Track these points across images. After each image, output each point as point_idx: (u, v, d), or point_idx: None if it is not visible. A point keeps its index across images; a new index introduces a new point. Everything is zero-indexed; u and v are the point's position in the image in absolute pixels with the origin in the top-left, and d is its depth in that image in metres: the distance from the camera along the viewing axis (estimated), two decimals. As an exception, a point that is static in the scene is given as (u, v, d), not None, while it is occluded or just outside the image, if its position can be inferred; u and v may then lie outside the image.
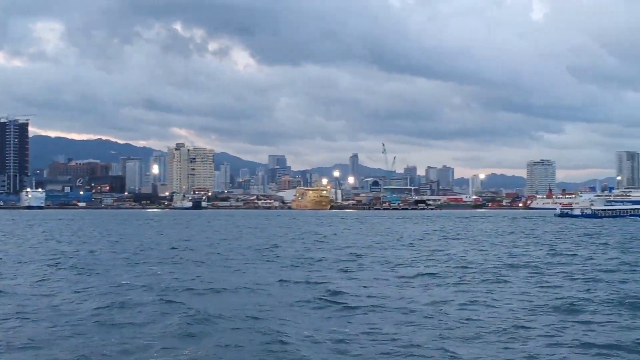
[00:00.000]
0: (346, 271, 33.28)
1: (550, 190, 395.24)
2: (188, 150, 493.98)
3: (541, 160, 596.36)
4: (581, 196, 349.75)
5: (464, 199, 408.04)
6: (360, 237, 71.20)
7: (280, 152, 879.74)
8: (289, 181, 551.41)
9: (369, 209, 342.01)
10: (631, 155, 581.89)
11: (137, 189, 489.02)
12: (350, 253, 45.47)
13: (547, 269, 34.57)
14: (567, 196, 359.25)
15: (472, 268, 35.07)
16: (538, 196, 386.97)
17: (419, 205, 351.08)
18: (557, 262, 38.77)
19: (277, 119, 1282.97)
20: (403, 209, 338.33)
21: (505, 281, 29.26)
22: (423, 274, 31.71)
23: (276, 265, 36.24)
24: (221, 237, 70.21)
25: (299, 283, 28.12)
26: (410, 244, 57.84)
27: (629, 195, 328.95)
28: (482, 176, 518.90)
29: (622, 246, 53.96)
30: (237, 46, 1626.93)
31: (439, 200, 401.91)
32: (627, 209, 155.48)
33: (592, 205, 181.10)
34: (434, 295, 24.85)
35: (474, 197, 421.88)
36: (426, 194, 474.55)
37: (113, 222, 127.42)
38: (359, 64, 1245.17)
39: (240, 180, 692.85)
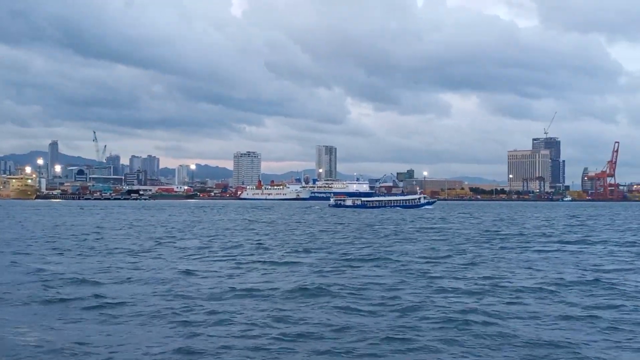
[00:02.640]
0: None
1: (260, 181, 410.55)
2: None
3: (247, 152, 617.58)
4: (288, 187, 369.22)
5: (176, 189, 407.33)
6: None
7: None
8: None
9: (79, 198, 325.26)
10: (329, 149, 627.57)
11: None
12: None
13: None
14: (275, 187, 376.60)
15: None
16: (248, 187, 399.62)
17: (132, 195, 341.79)
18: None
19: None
20: (115, 198, 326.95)
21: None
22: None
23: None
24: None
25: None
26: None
27: (331, 187, 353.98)
28: (192, 166, 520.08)
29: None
30: None
31: (150, 190, 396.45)
32: (389, 200, 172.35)
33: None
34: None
35: (186, 187, 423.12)
36: (134, 184, 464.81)
37: None
38: (52, 47, 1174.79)
39: None
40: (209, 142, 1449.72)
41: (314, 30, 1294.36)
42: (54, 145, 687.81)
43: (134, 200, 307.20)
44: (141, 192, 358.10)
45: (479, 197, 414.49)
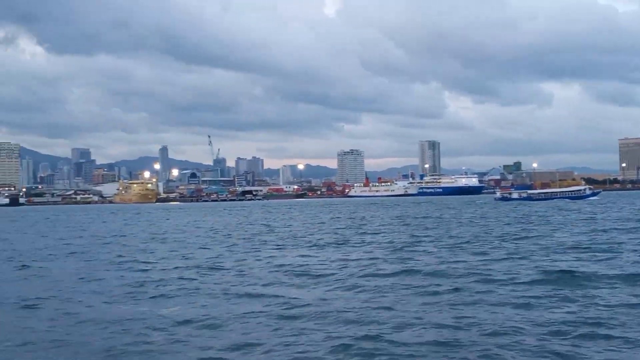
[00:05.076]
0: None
1: (367, 178, 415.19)
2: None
3: (351, 150, 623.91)
4: (396, 184, 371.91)
5: (285, 189, 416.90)
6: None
7: (77, 146, 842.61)
8: (102, 175, 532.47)
9: (197, 200, 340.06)
10: (432, 144, 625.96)
11: None
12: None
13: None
14: (383, 184, 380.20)
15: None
16: (356, 185, 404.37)
17: (246, 195, 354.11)
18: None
19: (72, 111, 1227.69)
20: (231, 199, 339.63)
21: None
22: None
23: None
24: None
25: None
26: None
27: (439, 182, 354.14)
28: (301, 166, 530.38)
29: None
30: (24, 34, 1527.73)
31: (261, 190, 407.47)
32: (553, 192, 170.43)
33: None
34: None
35: (295, 186, 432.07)
36: (243, 185, 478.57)
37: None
38: (154, 55, 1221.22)
39: (42, 174, 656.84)
40: (308, 141, 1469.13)
41: (407, 25, 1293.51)
42: (163, 150, 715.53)
43: (249, 201, 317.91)
44: (254, 193, 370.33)
45: (591, 187, 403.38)
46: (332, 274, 26.53)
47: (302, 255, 34.93)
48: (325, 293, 21.95)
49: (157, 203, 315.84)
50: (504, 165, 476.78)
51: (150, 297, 21.98)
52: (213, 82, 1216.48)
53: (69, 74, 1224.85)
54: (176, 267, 30.45)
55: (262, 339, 15.30)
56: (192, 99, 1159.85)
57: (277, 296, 21.27)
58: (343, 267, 28.76)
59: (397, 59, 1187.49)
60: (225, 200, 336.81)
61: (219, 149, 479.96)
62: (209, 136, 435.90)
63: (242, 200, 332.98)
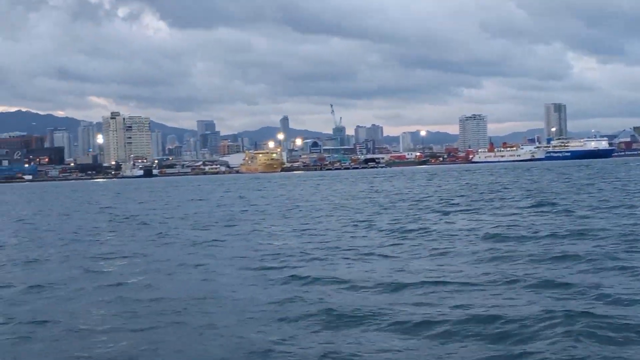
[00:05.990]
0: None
1: (491, 143, 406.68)
2: (124, 118, 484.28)
3: (473, 115, 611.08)
4: (522, 148, 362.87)
5: (407, 156, 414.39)
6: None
7: (201, 118, 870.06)
8: (227, 146, 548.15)
9: (321, 169, 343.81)
10: (558, 107, 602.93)
11: (73, 159, 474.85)
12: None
13: None
14: (508, 149, 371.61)
15: None
16: (480, 150, 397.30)
17: (369, 163, 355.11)
18: None
19: (195, 84, 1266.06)
20: (354, 168, 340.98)
21: None
22: None
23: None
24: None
25: None
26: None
27: (567, 146, 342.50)
28: (423, 132, 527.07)
29: None
30: (147, 10, 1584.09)
31: (383, 157, 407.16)
32: None
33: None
34: None
35: (417, 153, 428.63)
36: (364, 153, 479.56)
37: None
38: (272, 26, 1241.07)
39: (170, 146, 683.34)
40: (427, 107, 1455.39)
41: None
42: (284, 120, 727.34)
43: (372, 169, 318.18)
44: (377, 160, 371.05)
45: None
46: (523, 238, 26.07)
47: (484, 220, 34.45)
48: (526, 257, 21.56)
49: (281, 172, 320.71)
50: (634, 127, 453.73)
51: (361, 257, 22.47)
52: (330, 51, 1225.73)
53: (191, 47, 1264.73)
54: (366, 233, 30.78)
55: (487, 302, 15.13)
56: (310, 69, 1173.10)
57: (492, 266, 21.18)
58: (534, 232, 27.91)
59: (518, 19, 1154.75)
60: (348, 168, 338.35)
61: (340, 118, 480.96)
62: (331, 105, 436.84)
63: (365, 168, 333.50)
